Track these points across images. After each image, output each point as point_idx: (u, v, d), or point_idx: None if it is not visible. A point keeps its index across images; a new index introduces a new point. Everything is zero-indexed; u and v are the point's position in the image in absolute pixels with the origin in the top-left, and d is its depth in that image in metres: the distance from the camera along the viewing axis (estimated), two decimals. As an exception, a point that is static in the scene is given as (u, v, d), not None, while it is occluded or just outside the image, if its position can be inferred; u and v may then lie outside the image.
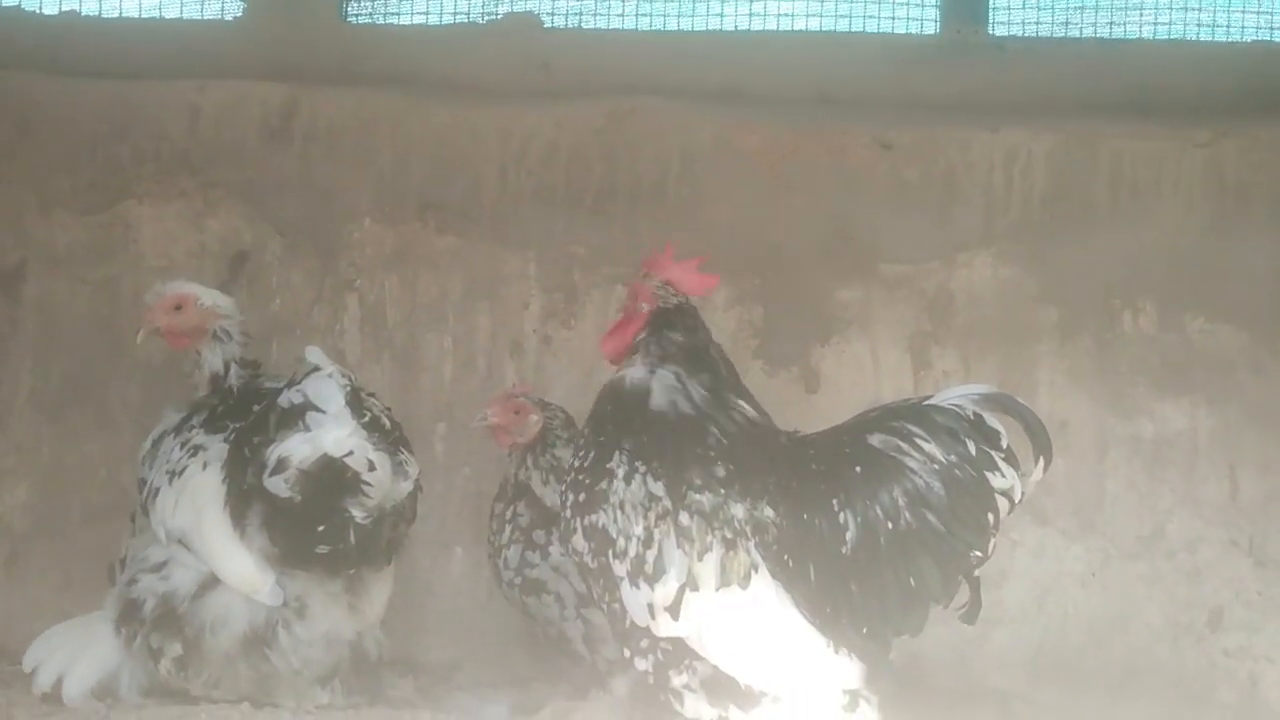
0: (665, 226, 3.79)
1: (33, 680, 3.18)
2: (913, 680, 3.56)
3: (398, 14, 4.27)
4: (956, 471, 2.77)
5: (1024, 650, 3.73)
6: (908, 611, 2.80)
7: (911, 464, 2.80)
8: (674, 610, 2.73)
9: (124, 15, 4.26)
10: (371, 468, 3.01)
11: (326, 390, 3.04)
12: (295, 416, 3.02)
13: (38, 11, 4.20)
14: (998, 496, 2.77)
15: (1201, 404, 3.76)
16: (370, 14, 4.25)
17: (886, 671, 2.85)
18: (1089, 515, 3.77)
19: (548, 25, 4.21)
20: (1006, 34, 4.14)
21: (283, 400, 3.07)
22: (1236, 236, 3.78)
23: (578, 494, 2.90)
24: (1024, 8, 4.18)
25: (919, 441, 2.81)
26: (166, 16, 4.27)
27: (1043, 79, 3.99)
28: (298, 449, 2.98)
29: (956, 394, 2.92)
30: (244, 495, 3.12)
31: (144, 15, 4.27)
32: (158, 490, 3.22)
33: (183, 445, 3.27)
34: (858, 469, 2.82)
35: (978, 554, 2.79)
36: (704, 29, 4.25)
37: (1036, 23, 4.19)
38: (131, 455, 3.55)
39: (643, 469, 2.85)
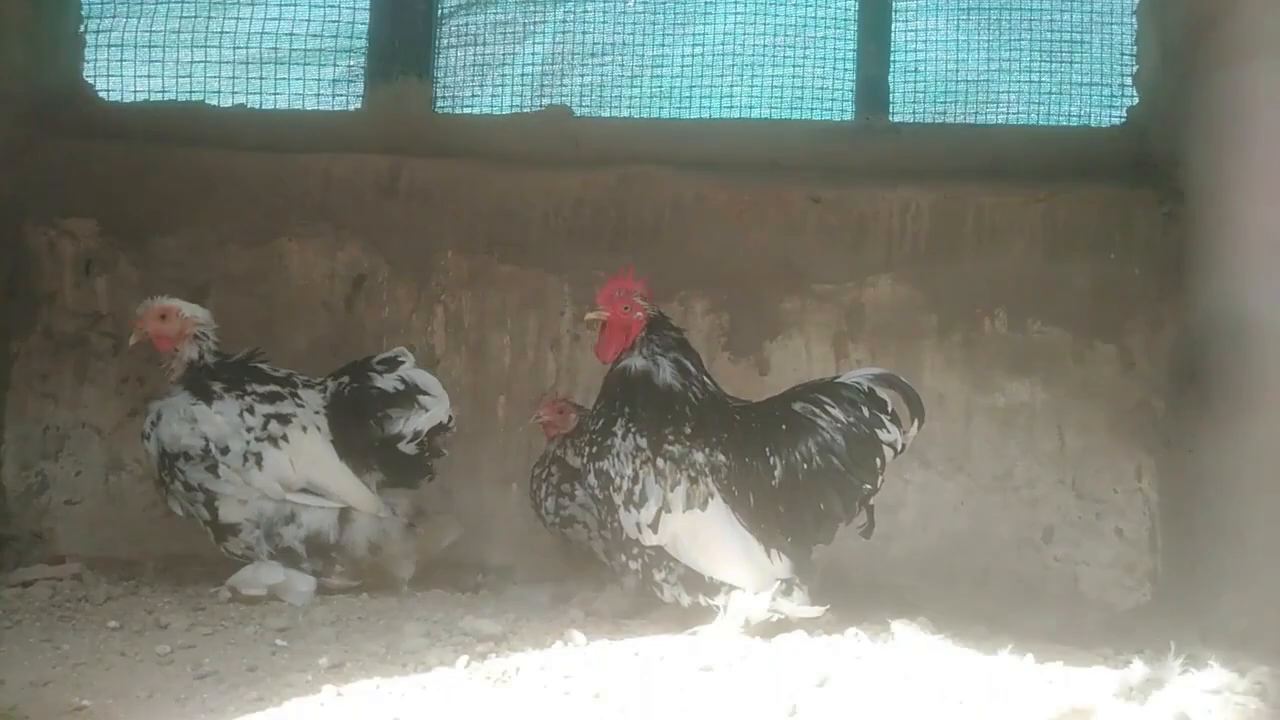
0: (660, 257, 3.89)
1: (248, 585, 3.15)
2: (834, 577, 3.57)
3: (472, 106, 4.28)
4: (854, 429, 2.92)
5: (913, 557, 3.79)
6: (819, 527, 2.97)
7: (822, 423, 2.94)
8: (654, 526, 2.86)
9: (277, 107, 4.26)
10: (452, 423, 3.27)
11: (425, 379, 3.24)
12: (409, 399, 3.21)
13: (217, 105, 4.22)
14: (884, 447, 2.93)
15: (1039, 383, 3.83)
16: (453, 106, 4.26)
17: (809, 569, 2.99)
18: (959, 461, 3.83)
19: (577, 114, 4.22)
20: (902, 120, 4.16)
21: (386, 385, 3.22)
22: (1064, 265, 3.83)
23: (592, 448, 2.99)
24: (915, 101, 4.20)
25: (828, 408, 2.95)
26: (308, 108, 4.27)
27: (928, 152, 4.03)
28: (426, 422, 3.20)
29: (857, 374, 3.06)
30: (361, 450, 3.23)
31: (291, 106, 4.27)
32: (259, 455, 3.14)
33: (264, 419, 3.19)
34: (784, 427, 2.95)
35: (868, 487, 2.95)
36: (688, 117, 4.26)
37: (924, 111, 4.21)
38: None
39: (634, 428, 2.94)
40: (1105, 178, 3.88)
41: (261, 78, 4.21)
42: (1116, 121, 4.10)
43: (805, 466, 2.89)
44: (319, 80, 4.25)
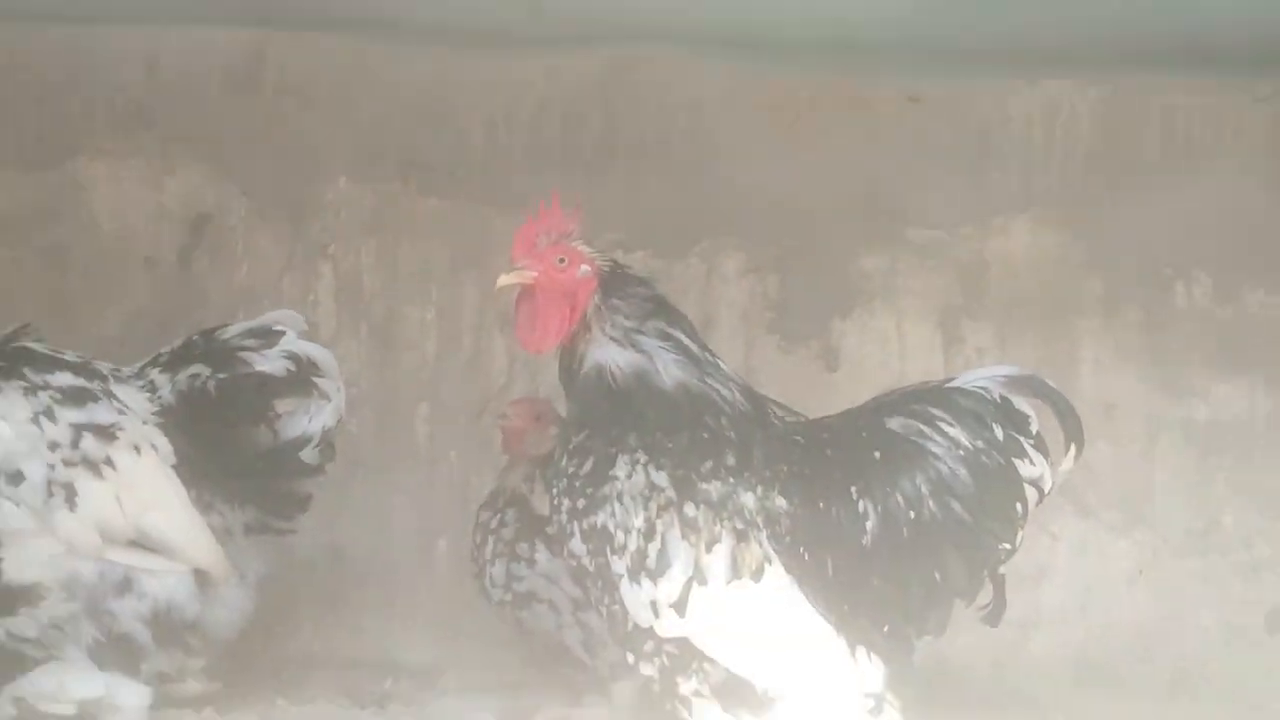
0: (670, 188, 3.51)
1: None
2: (943, 688, 3.09)
3: (375, -49, 3.68)
4: (983, 458, 2.49)
5: (1064, 655, 3.39)
6: (931, 608, 2.53)
7: (935, 449, 2.52)
8: (679, 606, 2.39)
9: None
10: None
11: (322, 356, 2.92)
12: (305, 384, 2.90)
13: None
14: (1026, 485, 2.50)
15: (1260, 384, 3.41)
16: (344, -50, 3.72)
17: (909, 674, 2.55)
18: (1136, 507, 3.42)
19: (542, -38, 3.69)
20: (1052, -23, 3.65)
21: (271, 368, 2.87)
22: (1300, 202, 3.28)
23: (575, 497, 2.47)
24: (1064, -51, 3.61)
25: (942, 425, 2.53)
26: (127, -41, 3.72)
27: (1087, 24, 3.34)
28: (331, 416, 2.95)
29: (982, 375, 2.62)
30: (235, 473, 2.91)
31: None
32: (69, 485, 2.70)
33: (74, 431, 2.75)
34: (876, 454, 2.51)
35: (1006, 546, 2.51)
36: (716, -33, 3.75)
37: (1081, -36, 3.64)
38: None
39: (643, 459, 2.46)
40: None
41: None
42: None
43: (912, 515, 2.45)
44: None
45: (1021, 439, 2.45)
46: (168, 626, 2.77)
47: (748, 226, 3.50)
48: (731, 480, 2.44)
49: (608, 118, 3.54)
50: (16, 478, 2.61)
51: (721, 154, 3.51)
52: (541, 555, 3.02)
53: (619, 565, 2.41)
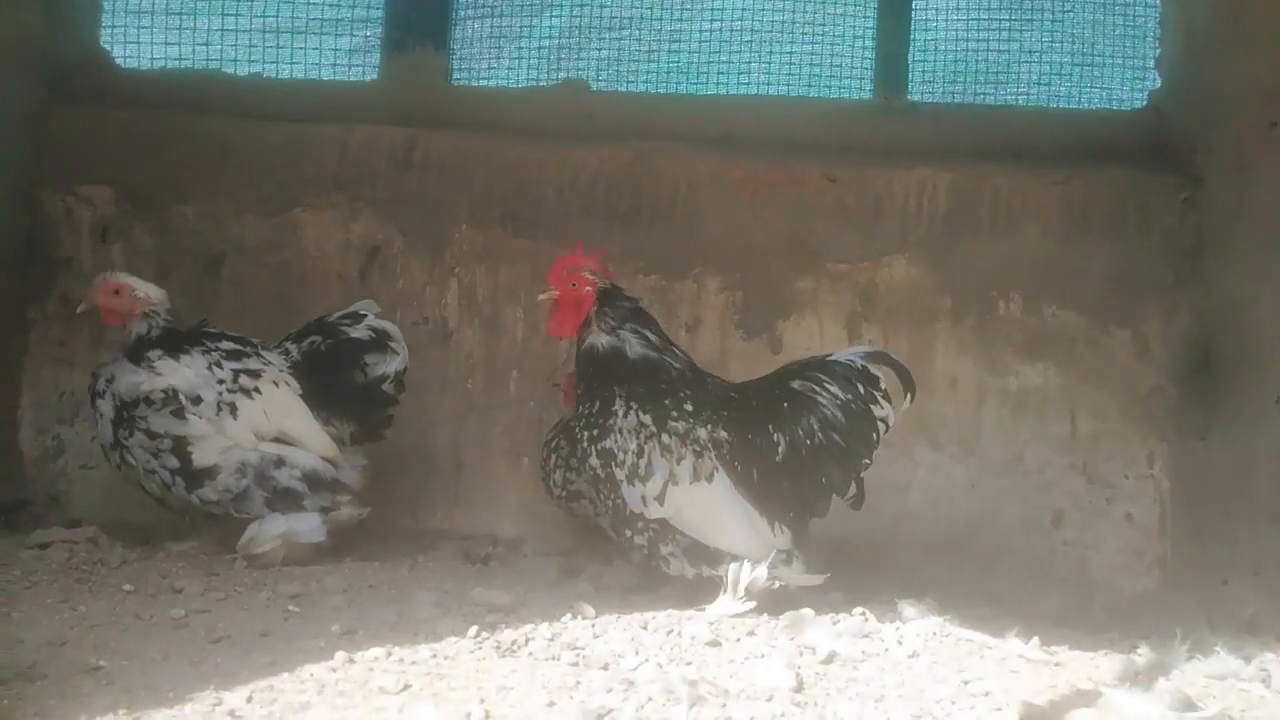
0: (674, 233, 3.93)
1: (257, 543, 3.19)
2: (841, 558, 3.64)
3: (488, 79, 4.26)
4: (851, 405, 3.03)
5: (921, 538, 3.79)
6: (819, 499, 3.07)
7: (821, 400, 3.05)
8: (660, 499, 2.93)
9: (294, 76, 4.25)
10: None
11: (392, 329, 3.48)
12: (382, 345, 3.43)
13: (234, 73, 4.21)
14: (878, 422, 3.05)
15: (1052, 367, 3.82)
16: (468, 79, 4.24)
17: (807, 540, 3.08)
18: (970, 444, 3.83)
19: (594, 88, 4.20)
20: (920, 99, 4.14)
21: (360, 335, 3.42)
22: (1079, 249, 3.81)
23: (592, 430, 3.04)
24: (934, 81, 4.17)
25: (826, 384, 3.06)
26: (324, 78, 4.26)
27: (947, 132, 4.00)
28: (400, 364, 3.44)
29: (850, 352, 3.16)
30: (340, 399, 3.38)
31: (308, 76, 4.26)
32: (233, 405, 3.21)
33: (233, 373, 3.26)
34: (785, 404, 3.05)
35: (865, 461, 3.06)
36: (704, 93, 4.23)
37: (942, 92, 4.18)
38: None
39: (635, 406, 3.00)
40: (1124, 162, 3.86)
41: (279, 46, 4.21)
42: (1137, 105, 4.07)
43: (809, 442, 3.00)
44: (335, 50, 4.24)
45: (875, 392, 3.06)
46: (315, 481, 3.28)
47: (724, 260, 3.90)
48: (690, 419, 2.99)
49: (635, 189, 3.93)
50: (198, 400, 3.19)
51: (708, 213, 3.92)
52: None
53: (620, 473, 2.99)
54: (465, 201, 3.99)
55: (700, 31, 4.24)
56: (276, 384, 3.30)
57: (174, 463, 3.17)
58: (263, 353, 3.37)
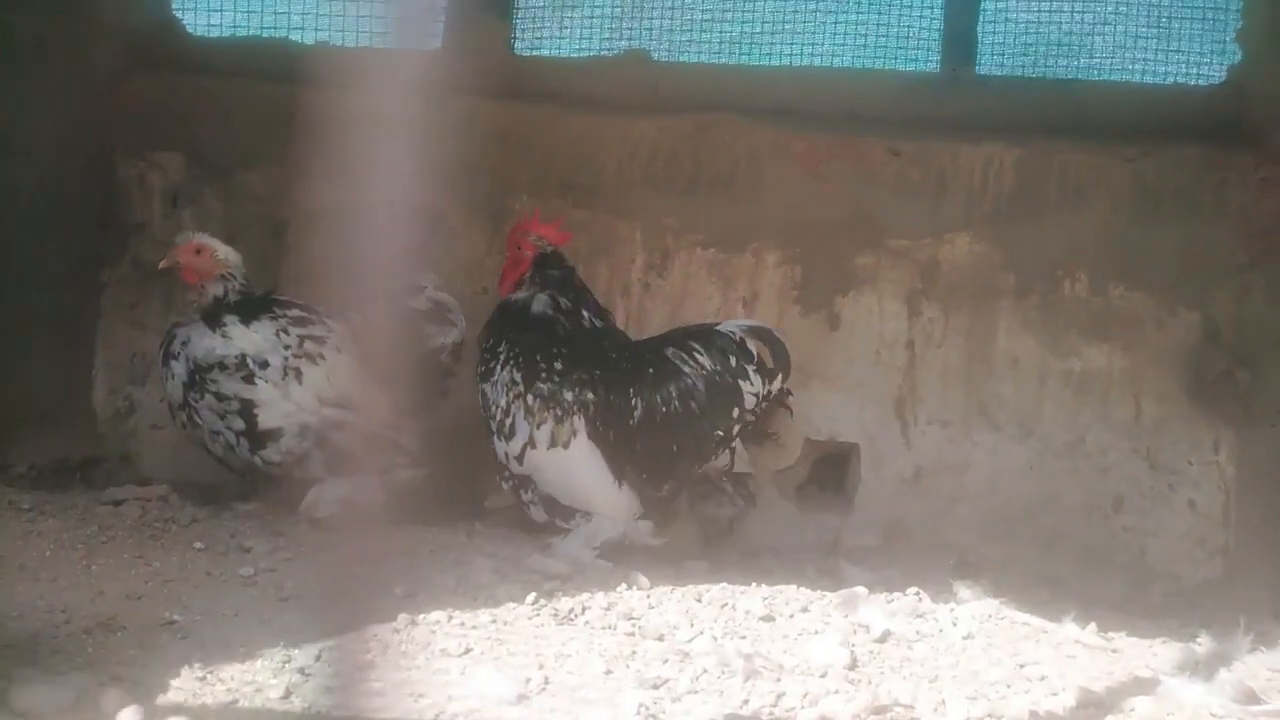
0: (733, 206, 3.90)
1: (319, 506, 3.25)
2: (897, 537, 3.78)
3: (550, 48, 4.25)
4: (716, 378, 3.12)
5: (978, 519, 3.75)
6: (672, 465, 3.18)
7: (686, 370, 3.14)
8: (520, 459, 3.13)
9: (358, 44, 4.11)
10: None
11: (449, 299, 3.50)
12: (441, 317, 3.46)
13: (300, 41, 4.23)
14: (747, 395, 3.12)
15: (1117, 349, 3.73)
16: (530, 48, 4.23)
17: (657, 504, 3.23)
18: (1030, 425, 3.76)
19: (655, 59, 4.18)
20: (989, 73, 4.06)
21: (419, 305, 3.40)
22: (1149, 228, 3.72)
23: (480, 368, 3.30)
24: (1004, 54, 4.08)
25: (696, 354, 3.16)
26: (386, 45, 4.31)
27: (1015, 107, 3.92)
28: (458, 336, 3.47)
29: (735, 324, 3.27)
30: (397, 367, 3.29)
31: (372, 44, 4.04)
32: (298, 370, 3.29)
33: (299, 339, 3.34)
34: (650, 370, 3.17)
35: (719, 433, 3.14)
36: (766, 64, 4.19)
37: (1013, 65, 4.09)
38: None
39: (512, 362, 3.19)
40: (1199, 139, 3.75)
41: (344, 15, 4.24)
42: (1215, 80, 3.95)
43: (664, 409, 3.10)
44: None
45: (749, 367, 3.13)
46: (374, 444, 3.35)
47: (783, 234, 3.86)
48: (557, 380, 3.13)
49: (695, 161, 3.90)
50: (265, 365, 3.27)
51: (768, 186, 3.87)
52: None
53: (492, 425, 3.20)
54: (525, 171, 3.99)
55: (764, 1, 4.18)
56: (340, 350, 3.35)
57: (240, 425, 3.27)
58: (325, 319, 3.42)
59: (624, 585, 2.79)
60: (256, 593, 2.50)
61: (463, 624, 2.38)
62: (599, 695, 2.03)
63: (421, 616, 2.39)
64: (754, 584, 2.92)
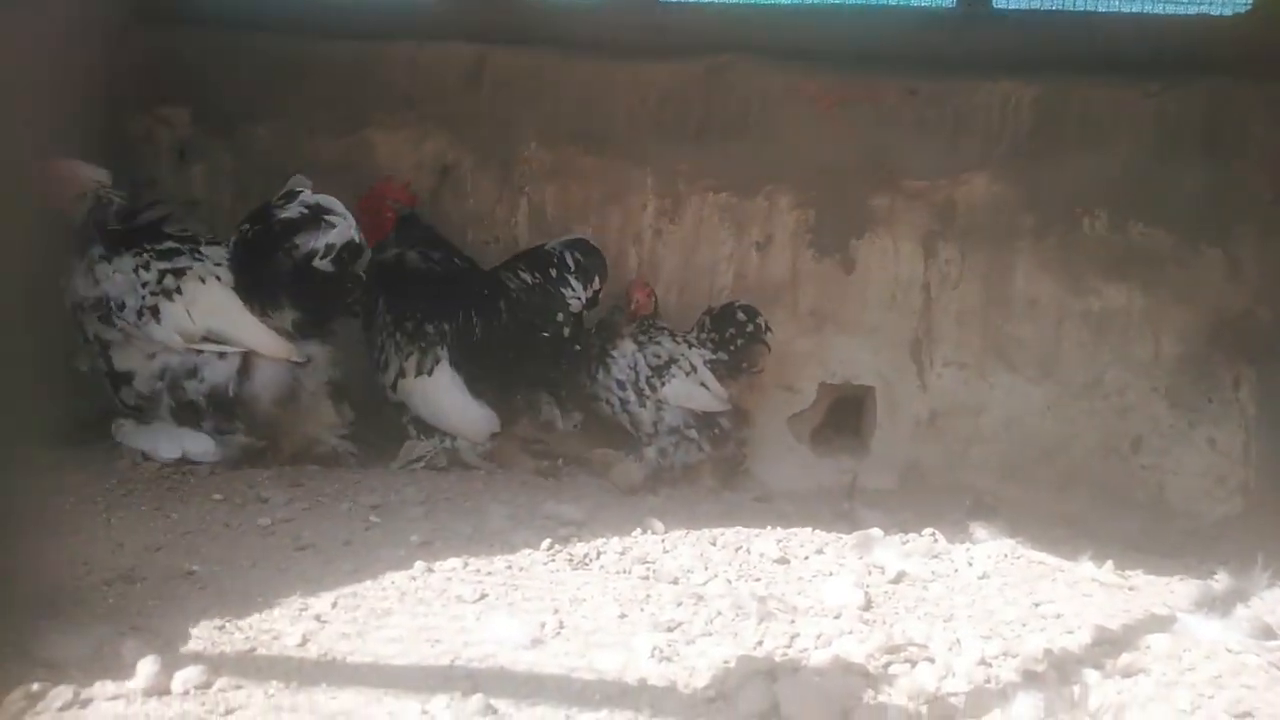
0: (745, 150, 3.85)
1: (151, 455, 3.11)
2: (913, 480, 3.79)
3: (558, -7, 4.16)
4: (538, 288, 3.47)
5: (995, 460, 3.75)
6: (516, 372, 3.46)
7: (512, 285, 3.49)
8: (393, 387, 3.43)
9: None
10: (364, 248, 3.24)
11: (329, 201, 3.19)
12: (313, 221, 3.15)
13: (308, -10, 4.17)
14: (570, 299, 3.46)
15: (1137, 288, 3.70)
16: (538, -7, 4.15)
17: (512, 415, 3.48)
18: (1048, 366, 3.75)
19: (664, 1, 4.08)
20: (1006, 7, 3.94)
21: (289, 214, 3.14)
22: (1171, 164, 3.65)
23: (364, 319, 3.49)
24: (1021, -13, 3.95)
25: (521, 272, 3.50)
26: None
27: (1033, 43, 3.82)
28: (337, 237, 3.13)
29: (557, 241, 3.59)
30: (267, 289, 3.14)
31: None
32: (155, 309, 3.08)
33: (159, 274, 3.12)
34: (485, 292, 3.48)
35: (545, 335, 3.45)
36: (778, 3, 4.10)
37: (1030, -1, 3.97)
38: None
39: (385, 305, 3.47)
40: (1222, 72, 3.66)
41: (349, -37, 4.15)
42: (1240, 8, 3.83)
43: (496, 323, 3.43)
44: (405, -35, 4.14)
45: (568, 275, 3.46)
46: (216, 399, 3.11)
47: (796, 177, 3.81)
48: (420, 318, 3.42)
49: (706, 105, 3.85)
50: (121, 306, 3.06)
51: (780, 129, 3.82)
52: (600, 374, 3.56)
53: (371, 360, 3.47)
54: (534, 119, 3.95)
55: (774, -61, 4.06)
56: (204, 280, 3.13)
57: (103, 365, 3.16)
58: (202, 248, 3.24)
59: (639, 530, 2.79)
60: (274, 542, 2.51)
61: (478, 570, 2.39)
62: (613, 639, 2.04)
63: (438, 564, 2.40)
64: (769, 527, 2.93)
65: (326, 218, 3.16)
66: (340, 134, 4.02)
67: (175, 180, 4.03)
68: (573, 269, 3.50)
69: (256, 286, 3.17)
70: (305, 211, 3.15)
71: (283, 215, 3.16)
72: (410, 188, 3.68)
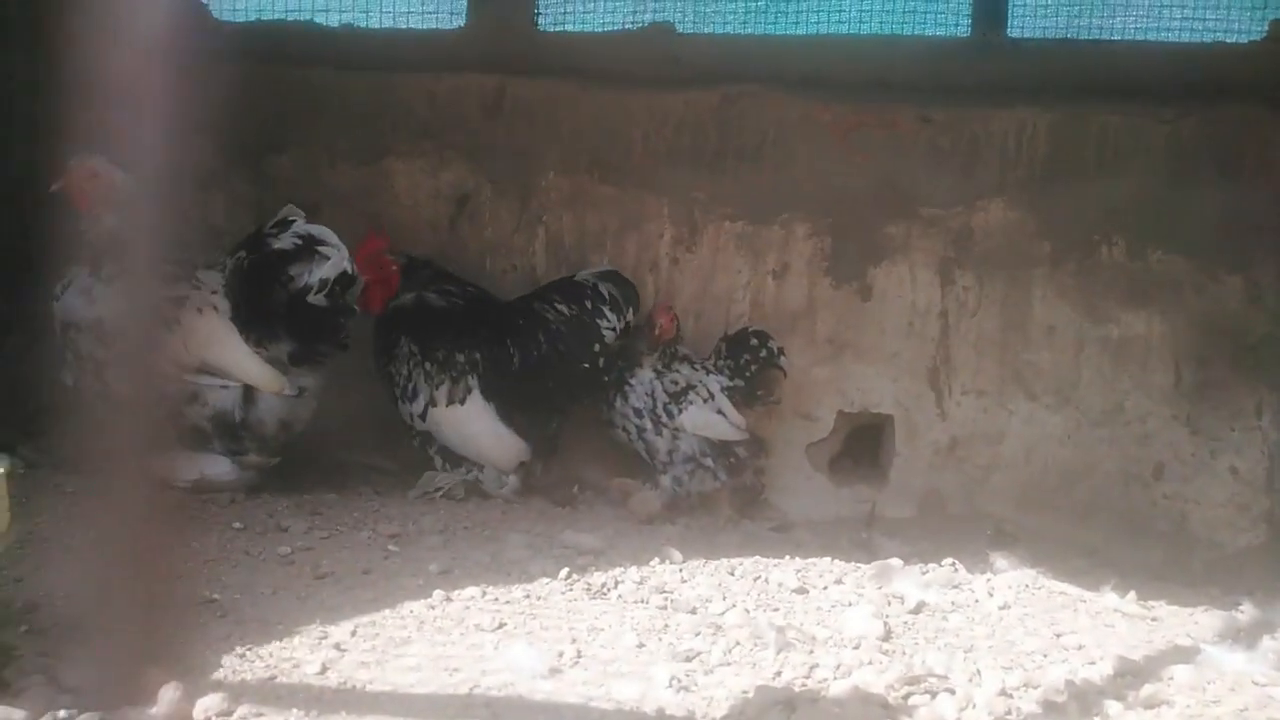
0: (761, 179, 3.87)
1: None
2: (932, 507, 3.77)
3: (575, 24, 4.23)
4: (575, 319, 3.53)
5: (1015, 489, 3.73)
6: (551, 401, 3.56)
7: (549, 317, 3.55)
8: (422, 416, 3.46)
9: (383, 25, 4.28)
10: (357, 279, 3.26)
11: (321, 232, 3.19)
12: (308, 252, 3.15)
13: (326, 24, 4.26)
14: (604, 331, 3.52)
15: (1156, 315, 3.68)
16: (556, 24, 4.21)
17: (543, 442, 3.57)
18: (1067, 393, 3.72)
19: (680, 31, 4.14)
20: (1021, 35, 3.97)
21: (283, 244, 3.14)
22: (1188, 190, 3.65)
23: (380, 356, 3.56)
24: (1035, 15, 3.99)
25: (557, 304, 3.56)
26: (413, 25, 4.28)
27: (1048, 70, 3.85)
28: (330, 270, 3.12)
29: (587, 272, 3.65)
30: (267, 317, 3.14)
31: (396, 25, 4.28)
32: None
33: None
34: (521, 321, 3.55)
35: (585, 366, 3.51)
36: (793, 33, 4.14)
37: (1045, 27, 3.99)
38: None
39: (409, 340, 3.51)
40: (1239, 98, 3.66)
41: (368, -4, 4.24)
42: (1256, 35, 3.85)
43: (535, 354, 3.49)
44: (423, -3, 4.24)
45: (603, 307, 3.53)
46: (222, 423, 3.12)
47: (812, 205, 3.82)
48: (449, 347, 3.47)
49: (722, 133, 3.86)
50: None
51: (796, 157, 3.83)
52: (619, 402, 3.57)
53: (396, 392, 3.49)
54: (552, 148, 3.98)
55: (790, -31, 4.12)
56: (201, 310, 3.09)
57: (95, 386, 3.04)
58: (200, 274, 3.19)
59: (657, 559, 2.80)
60: (294, 571, 2.53)
61: (496, 599, 2.40)
62: (631, 668, 2.04)
63: (457, 592, 2.42)
64: (787, 557, 2.94)
65: (320, 249, 3.15)
66: (360, 163, 4.06)
67: (197, 210, 4.01)
68: (607, 300, 3.54)
69: (253, 319, 3.17)
70: (299, 242, 3.16)
71: (276, 245, 3.16)
72: (384, 228, 3.70)
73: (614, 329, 3.53)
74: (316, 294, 3.14)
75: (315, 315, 3.16)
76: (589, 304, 3.53)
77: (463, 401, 3.43)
